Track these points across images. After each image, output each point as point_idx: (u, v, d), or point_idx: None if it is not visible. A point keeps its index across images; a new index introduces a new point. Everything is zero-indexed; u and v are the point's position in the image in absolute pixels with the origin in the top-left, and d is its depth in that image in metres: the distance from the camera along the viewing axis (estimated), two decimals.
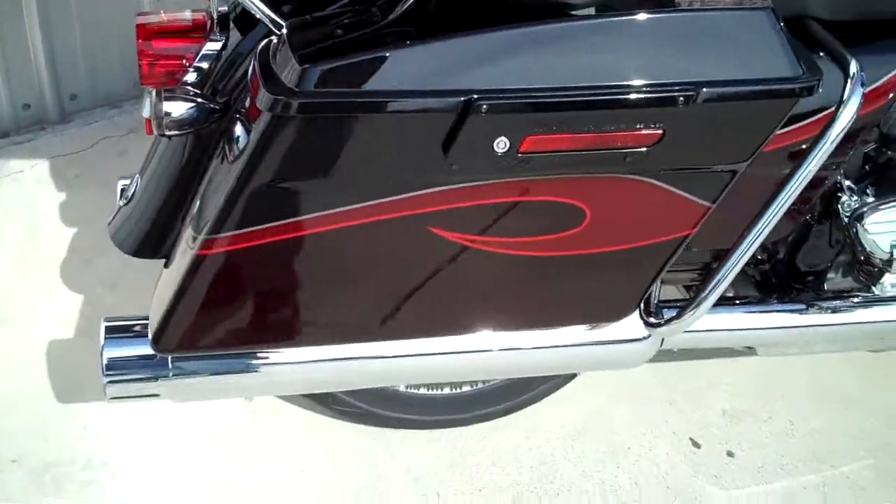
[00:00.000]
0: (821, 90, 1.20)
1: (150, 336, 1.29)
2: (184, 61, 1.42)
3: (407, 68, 1.11)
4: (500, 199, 1.21)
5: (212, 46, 1.40)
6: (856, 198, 1.54)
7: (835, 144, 1.28)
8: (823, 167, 1.45)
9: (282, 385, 1.42)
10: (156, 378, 1.36)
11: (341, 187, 1.17)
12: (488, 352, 1.42)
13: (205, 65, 1.37)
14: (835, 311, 1.61)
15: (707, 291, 1.38)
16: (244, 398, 1.72)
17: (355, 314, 1.31)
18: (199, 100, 1.30)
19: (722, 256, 1.38)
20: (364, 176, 1.16)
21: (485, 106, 1.09)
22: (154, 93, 1.31)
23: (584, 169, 1.20)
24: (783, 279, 1.66)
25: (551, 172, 1.19)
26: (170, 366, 1.35)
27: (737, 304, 1.61)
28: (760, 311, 1.61)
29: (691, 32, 1.17)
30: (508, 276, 1.31)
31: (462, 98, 1.09)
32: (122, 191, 1.54)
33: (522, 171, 1.18)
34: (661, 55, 1.15)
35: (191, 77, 1.40)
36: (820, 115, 1.32)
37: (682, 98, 1.13)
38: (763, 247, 1.67)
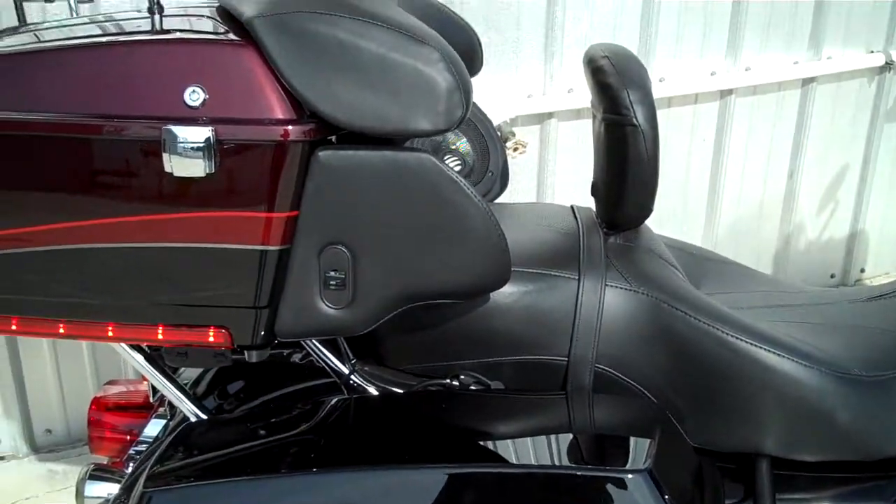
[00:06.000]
0: None
1: None
2: (128, 437, 1.52)
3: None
4: None
5: (156, 424, 1.48)
6: None
7: None
8: None
9: None
10: None
11: None
12: None
13: (143, 446, 1.44)
14: None
15: None
16: None
17: None
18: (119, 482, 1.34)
19: None
20: None
21: None
22: (85, 467, 1.38)
23: None
24: None
25: None
26: None
27: None
28: None
29: None
30: None
31: None
32: None
33: None
34: None
35: (135, 451, 1.45)
36: None
37: None
38: None
